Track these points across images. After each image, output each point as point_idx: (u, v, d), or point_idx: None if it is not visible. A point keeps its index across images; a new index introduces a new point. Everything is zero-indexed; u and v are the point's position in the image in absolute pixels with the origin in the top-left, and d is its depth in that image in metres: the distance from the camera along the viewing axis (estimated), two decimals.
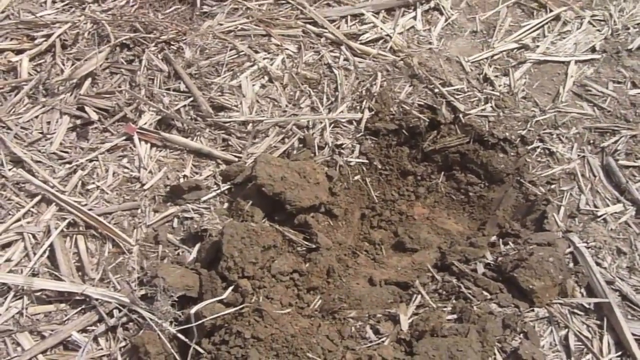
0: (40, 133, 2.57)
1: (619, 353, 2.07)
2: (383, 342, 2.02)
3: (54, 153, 2.51)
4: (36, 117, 2.63)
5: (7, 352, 2.01)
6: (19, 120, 2.61)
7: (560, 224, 2.36)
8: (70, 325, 2.06)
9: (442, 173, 2.58)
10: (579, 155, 2.58)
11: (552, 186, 2.48)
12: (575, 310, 2.15)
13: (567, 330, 2.10)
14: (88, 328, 2.06)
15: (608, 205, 2.43)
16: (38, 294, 2.13)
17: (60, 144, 2.55)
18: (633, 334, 2.07)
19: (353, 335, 2.04)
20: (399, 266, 2.26)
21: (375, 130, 2.57)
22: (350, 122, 2.61)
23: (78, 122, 2.61)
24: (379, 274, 2.24)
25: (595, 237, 2.32)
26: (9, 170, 2.43)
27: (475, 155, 2.55)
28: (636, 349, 2.04)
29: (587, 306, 2.15)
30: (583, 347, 2.07)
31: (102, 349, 2.02)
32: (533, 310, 2.13)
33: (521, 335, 2.06)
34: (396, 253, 2.35)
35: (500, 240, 2.36)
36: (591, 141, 2.63)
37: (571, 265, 2.25)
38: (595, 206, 2.42)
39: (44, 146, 2.53)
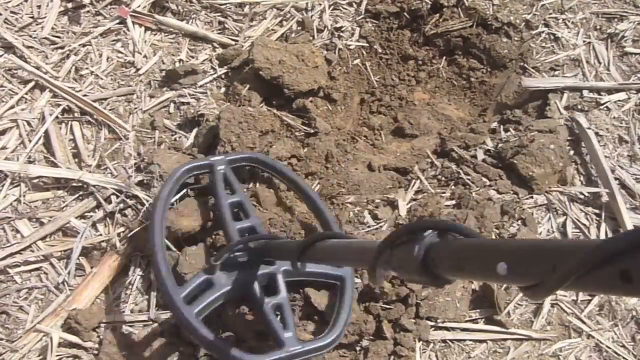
0: (30, 17, 2.30)
1: None
2: (381, 227, 1.88)
3: (45, 38, 2.25)
4: (26, 0, 2.35)
5: (6, 239, 1.88)
6: (8, 4, 2.33)
7: (562, 111, 2.16)
8: (69, 212, 1.91)
9: (444, 58, 2.33)
10: (584, 41, 2.33)
11: (556, 72, 2.26)
12: (574, 198, 2.00)
13: (565, 217, 1.96)
14: (86, 214, 1.91)
15: (612, 93, 2.22)
16: (35, 181, 1.96)
17: (52, 28, 2.28)
18: (635, 226, 1.94)
19: (351, 221, 1.90)
20: (398, 152, 2.09)
21: (376, 13, 2.30)
22: (350, 4, 2.34)
23: (69, 5, 2.33)
24: (378, 159, 2.07)
25: (597, 125, 2.13)
26: (0, 56, 2.19)
27: (478, 39, 2.30)
28: None
29: (586, 194, 2.00)
30: (580, 234, 1.94)
31: (100, 234, 1.88)
32: (532, 197, 1.99)
33: (519, 222, 1.93)
34: (395, 139, 2.17)
35: (501, 126, 2.17)
36: (598, 27, 2.37)
37: (572, 152, 2.08)
38: (599, 94, 2.21)
39: (35, 31, 2.27)
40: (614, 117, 2.16)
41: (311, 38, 2.24)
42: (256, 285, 1.58)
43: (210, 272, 1.59)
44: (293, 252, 1.28)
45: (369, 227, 1.89)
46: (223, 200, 1.73)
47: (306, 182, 1.86)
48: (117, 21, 2.28)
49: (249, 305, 1.65)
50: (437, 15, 2.33)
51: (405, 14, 2.31)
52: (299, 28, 2.28)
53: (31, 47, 2.22)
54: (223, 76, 2.18)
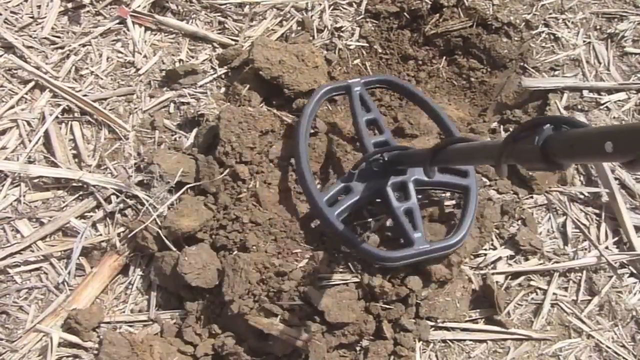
0: (30, 17, 2.30)
1: (616, 239, 1.93)
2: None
3: (45, 38, 2.25)
4: (26, 0, 2.35)
5: (6, 239, 1.88)
6: (8, 4, 2.32)
7: (562, 111, 2.15)
8: (69, 212, 1.91)
9: (444, 58, 2.32)
10: (584, 41, 2.33)
11: (556, 72, 2.25)
12: (574, 198, 1.99)
13: (565, 217, 1.96)
14: (86, 214, 1.91)
15: (612, 93, 2.21)
16: (35, 181, 1.96)
17: (52, 28, 2.28)
18: (635, 226, 1.93)
19: (351, 220, 1.89)
20: None
21: (376, 13, 2.29)
22: (350, 4, 2.33)
23: (69, 5, 2.33)
24: None
25: (597, 125, 2.12)
26: (0, 56, 2.19)
27: (478, 39, 2.29)
28: (634, 237, 1.91)
29: (586, 194, 2.00)
30: (580, 234, 1.93)
31: (100, 234, 1.88)
32: (532, 197, 1.98)
33: (519, 222, 1.93)
34: (395, 138, 2.16)
35: (501, 126, 2.17)
36: (598, 27, 2.37)
37: None
38: (599, 94, 2.21)
39: (35, 31, 2.27)
40: (614, 117, 2.15)
41: (311, 38, 2.24)
42: (389, 192, 1.76)
43: (348, 180, 1.79)
44: (426, 157, 1.46)
45: (367, 224, 1.88)
46: (360, 117, 1.91)
47: (435, 102, 2.05)
48: (117, 21, 2.28)
49: (382, 210, 1.83)
50: (437, 15, 2.32)
51: (405, 14, 2.30)
52: (299, 28, 2.27)
53: (31, 47, 2.22)
54: (223, 76, 2.18)
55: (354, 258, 1.76)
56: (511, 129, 2.12)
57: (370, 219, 1.85)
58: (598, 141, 0.88)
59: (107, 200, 1.91)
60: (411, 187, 1.78)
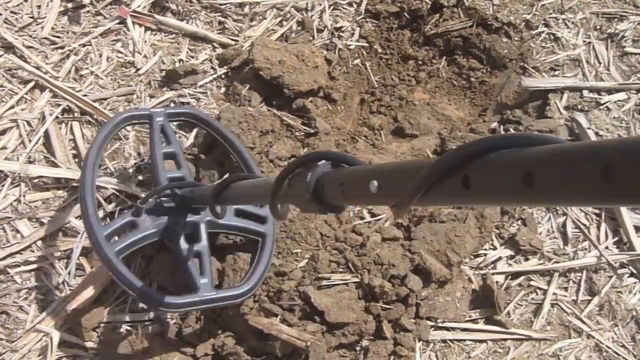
0: (30, 17, 2.29)
1: (616, 239, 1.93)
2: (379, 221, 1.88)
3: (45, 38, 2.25)
4: (26, 0, 2.34)
5: (6, 238, 1.88)
6: (8, 4, 2.32)
7: (562, 111, 2.16)
8: (69, 212, 1.91)
9: (444, 58, 2.33)
10: (584, 41, 2.33)
11: (556, 72, 2.25)
12: None
13: (565, 217, 1.96)
14: None
15: (612, 93, 2.21)
16: (35, 180, 1.96)
17: (52, 28, 2.28)
18: (634, 226, 1.93)
19: (351, 220, 1.90)
20: (398, 152, 2.08)
21: (376, 13, 2.29)
22: (350, 4, 2.33)
23: (69, 5, 2.32)
24: (378, 159, 2.06)
25: (597, 125, 2.13)
26: (0, 56, 2.18)
27: (478, 39, 2.29)
28: (634, 237, 1.91)
29: None
30: (580, 234, 1.94)
31: None
32: None
33: (519, 222, 1.93)
34: (395, 139, 2.16)
35: (501, 126, 2.17)
36: (598, 27, 2.37)
37: None
38: (599, 94, 2.21)
39: (35, 31, 2.27)
40: (614, 117, 2.15)
41: (311, 38, 2.24)
42: (179, 232, 1.63)
43: (136, 214, 1.64)
44: (210, 194, 1.33)
45: (367, 222, 1.88)
46: (157, 149, 1.79)
47: (234, 135, 1.90)
48: (117, 21, 2.27)
49: (169, 249, 1.70)
50: (437, 15, 2.32)
51: (405, 14, 2.30)
52: (299, 28, 2.27)
53: (31, 47, 2.21)
54: (223, 76, 2.18)
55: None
56: (511, 129, 2.12)
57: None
58: (365, 180, 0.77)
59: (107, 200, 1.91)
60: (203, 228, 1.66)
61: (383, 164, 0.94)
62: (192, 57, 2.22)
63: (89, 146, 1.79)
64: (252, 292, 1.63)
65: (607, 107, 2.17)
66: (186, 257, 1.61)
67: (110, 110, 2.09)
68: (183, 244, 1.63)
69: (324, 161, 0.90)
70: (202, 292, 1.55)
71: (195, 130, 2.03)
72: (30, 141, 2.02)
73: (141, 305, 1.81)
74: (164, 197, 1.66)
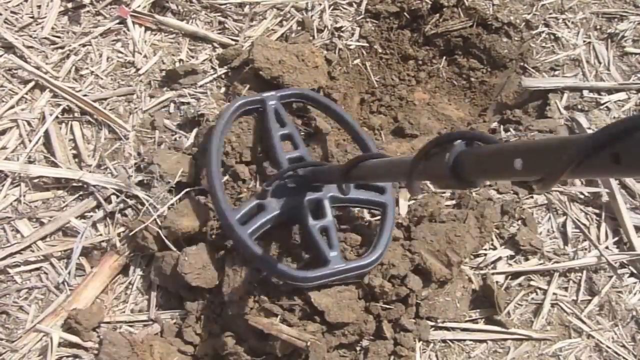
0: (30, 17, 2.29)
1: (616, 239, 1.93)
2: None
3: (45, 38, 2.25)
4: (26, 0, 2.34)
5: (6, 238, 1.88)
6: (8, 4, 2.32)
7: (562, 111, 2.16)
8: (69, 212, 1.91)
9: (444, 58, 2.33)
10: (584, 41, 2.33)
11: (556, 72, 2.25)
12: (574, 198, 1.99)
13: (565, 217, 1.96)
14: (86, 214, 1.91)
15: (612, 93, 2.21)
16: (35, 181, 1.96)
17: (52, 28, 2.28)
18: (635, 226, 1.93)
19: (351, 219, 1.89)
20: (398, 152, 2.08)
21: (376, 13, 2.29)
22: (350, 4, 2.33)
23: (69, 5, 2.32)
24: None
25: (597, 125, 2.12)
26: (0, 56, 2.18)
27: (478, 39, 2.29)
28: (634, 237, 1.91)
29: (586, 194, 2.00)
30: (580, 234, 1.93)
31: (100, 234, 1.88)
32: (532, 197, 1.98)
33: (519, 222, 1.93)
34: (395, 138, 2.16)
35: (501, 126, 2.17)
36: (598, 27, 2.37)
37: None
38: (599, 93, 2.21)
39: (35, 31, 2.27)
40: (614, 117, 2.15)
41: (311, 38, 2.24)
42: (304, 209, 1.71)
43: (261, 197, 1.73)
44: (339, 173, 1.43)
45: (367, 222, 1.88)
46: (274, 132, 1.86)
47: (350, 114, 1.99)
48: (117, 21, 2.27)
49: (297, 227, 1.78)
50: (437, 15, 2.32)
51: (405, 14, 2.30)
52: (299, 28, 2.27)
53: (31, 47, 2.21)
54: (223, 76, 2.18)
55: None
56: (511, 129, 2.12)
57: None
58: (508, 158, 0.84)
59: (107, 200, 1.91)
60: (327, 204, 1.73)
61: (523, 142, 1.02)
62: (192, 57, 2.22)
63: (210, 136, 1.86)
64: (379, 262, 1.70)
65: (607, 107, 2.17)
66: (314, 233, 1.68)
67: (110, 110, 2.09)
68: (311, 221, 1.70)
69: (459, 141, 0.98)
70: (332, 264, 1.63)
71: (195, 130, 2.03)
72: (30, 141, 2.02)
73: (141, 305, 1.81)
74: (287, 178, 1.74)
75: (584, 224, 1.94)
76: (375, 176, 1.41)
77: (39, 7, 2.32)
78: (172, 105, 2.11)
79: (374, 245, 1.72)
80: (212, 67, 2.19)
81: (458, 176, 0.97)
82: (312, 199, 1.73)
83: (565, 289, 1.87)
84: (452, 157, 0.97)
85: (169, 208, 1.84)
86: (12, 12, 2.30)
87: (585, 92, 2.20)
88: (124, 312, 1.81)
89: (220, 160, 1.83)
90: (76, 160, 2.01)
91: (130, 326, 1.79)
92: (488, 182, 1.95)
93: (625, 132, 0.66)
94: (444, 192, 1.93)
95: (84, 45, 2.23)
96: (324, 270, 1.62)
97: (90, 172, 1.96)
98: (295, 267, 1.70)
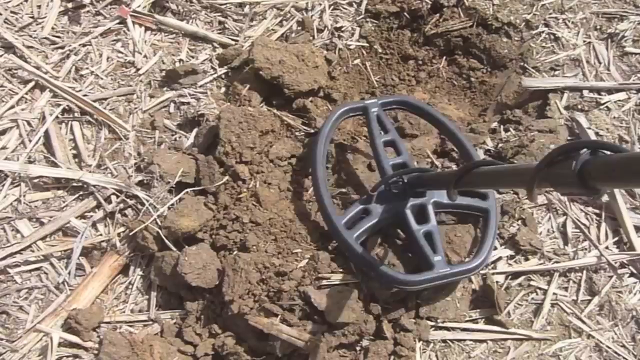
0: (30, 17, 2.30)
1: (616, 239, 1.93)
2: None
3: (45, 38, 2.25)
4: (26, 0, 2.35)
5: (7, 238, 1.88)
6: (8, 4, 2.32)
7: (562, 111, 2.15)
8: (69, 212, 1.91)
9: (444, 58, 2.33)
10: (584, 41, 2.33)
11: (556, 72, 2.25)
12: (574, 198, 1.99)
13: (565, 217, 1.95)
14: (86, 214, 1.91)
15: (612, 93, 2.21)
16: (35, 180, 1.96)
17: (52, 28, 2.28)
18: (635, 226, 1.93)
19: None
20: None
21: (376, 13, 2.29)
22: (350, 4, 2.33)
23: (69, 5, 2.33)
24: None
25: (597, 125, 2.12)
26: (0, 56, 2.19)
27: (478, 39, 2.29)
28: (634, 237, 1.91)
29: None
30: (580, 234, 1.93)
31: (100, 234, 1.88)
32: None
33: (519, 222, 1.92)
34: None
35: (501, 126, 2.16)
36: (598, 27, 2.36)
37: None
38: (599, 93, 2.21)
39: (35, 31, 2.27)
40: (614, 117, 2.15)
41: (311, 38, 2.24)
42: (408, 214, 1.74)
43: (366, 202, 1.78)
44: (450, 180, 1.44)
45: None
46: (377, 139, 1.89)
47: (451, 121, 2.04)
48: (117, 21, 2.28)
49: (401, 232, 1.82)
50: (437, 15, 2.32)
51: (405, 14, 2.30)
52: (299, 28, 2.27)
53: (31, 47, 2.22)
54: (223, 76, 2.18)
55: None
56: (511, 129, 2.12)
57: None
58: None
59: (107, 200, 1.91)
60: (430, 209, 1.76)
61: None
62: (192, 57, 2.22)
63: (315, 142, 1.90)
64: (482, 266, 1.74)
65: (607, 107, 2.17)
66: (419, 238, 1.71)
67: (110, 110, 2.09)
68: (415, 226, 1.73)
69: (584, 149, 1.00)
70: (437, 268, 1.65)
71: (195, 130, 2.03)
72: (30, 141, 2.02)
73: (141, 305, 1.81)
74: (391, 184, 1.77)
75: (584, 224, 1.94)
76: (489, 183, 1.44)
77: (39, 7, 2.32)
78: (172, 105, 2.12)
79: (478, 249, 1.76)
80: (212, 67, 2.19)
81: (585, 184, 0.99)
82: (416, 204, 1.76)
83: (565, 289, 1.86)
84: (579, 164, 0.99)
85: (169, 208, 1.84)
86: (12, 12, 2.31)
87: (585, 92, 2.19)
88: (124, 312, 1.81)
89: (325, 167, 1.88)
90: (76, 160, 2.01)
91: (130, 326, 1.79)
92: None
93: None
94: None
95: (84, 45, 2.24)
96: (429, 274, 1.64)
97: (90, 172, 1.96)
98: (399, 271, 1.72)
